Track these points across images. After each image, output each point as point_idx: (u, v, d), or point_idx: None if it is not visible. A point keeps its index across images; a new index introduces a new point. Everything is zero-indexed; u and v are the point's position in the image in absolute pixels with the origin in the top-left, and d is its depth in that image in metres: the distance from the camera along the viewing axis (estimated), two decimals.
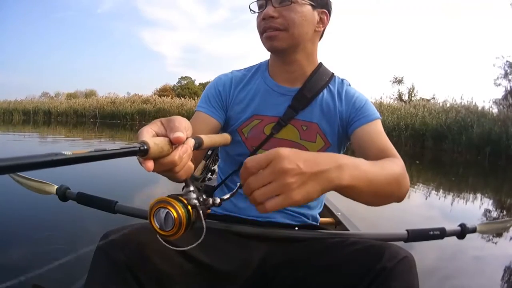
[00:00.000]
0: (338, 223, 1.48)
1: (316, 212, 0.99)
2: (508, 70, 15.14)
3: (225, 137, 0.85)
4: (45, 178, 1.31)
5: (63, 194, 1.08)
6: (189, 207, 0.50)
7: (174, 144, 0.50)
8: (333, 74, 0.97)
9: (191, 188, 0.53)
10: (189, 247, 0.55)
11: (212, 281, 0.73)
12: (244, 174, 0.51)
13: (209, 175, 1.65)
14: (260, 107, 0.93)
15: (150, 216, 0.48)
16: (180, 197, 0.50)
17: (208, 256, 0.73)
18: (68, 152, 0.36)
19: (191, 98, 21.71)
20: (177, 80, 43.69)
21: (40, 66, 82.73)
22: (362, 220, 1.65)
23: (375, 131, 0.87)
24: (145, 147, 0.44)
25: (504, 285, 1.74)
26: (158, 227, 0.48)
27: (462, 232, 1.05)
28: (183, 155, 0.52)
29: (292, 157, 0.49)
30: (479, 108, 11.14)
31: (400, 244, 0.71)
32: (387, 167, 0.66)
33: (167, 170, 0.52)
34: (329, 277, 0.67)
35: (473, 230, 1.08)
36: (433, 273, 1.75)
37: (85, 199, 1.02)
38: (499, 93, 15.55)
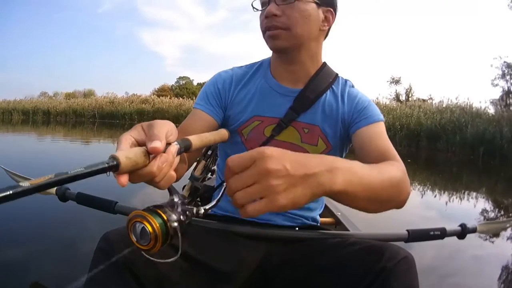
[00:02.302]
0: (338, 223, 1.48)
1: (316, 213, 0.98)
2: (506, 71, 15.18)
3: (221, 134, 0.80)
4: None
5: (62, 195, 1.07)
6: (168, 222, 0.45)
7: (153, 153, 0.47)
8: (337, 74, 0.95)
9: (175, 198, 0.50)
10: (166, 260, 0.51)
11: (211, 282, 0.73)
12: (227, 173, 0.47)
13: (209, 175, 1.66)
14: (261, 107, 0.90)
15: (128, 229, 0.45)
16: (159, 210, 0.46)
17: (208, 256, 0.73)
18: (25, 183, 0.34)
19: (189, 98, 21.68)
20: (176, 80, 43.71)
21: (39, 65, 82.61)
22: (362, 220, 1.65)
23: (377, 133, 0.84)
24: (115, 163, 0.41)
25: (504, 285, 1.75)
26: (135, 240, 0.45)
27: (463, 232, 1.04)
28: (163, 165, 0.48)
29: (278, 157, 0.45)
30: (475, 108, 11.23)
31: (400, 244, 0.71)
32: (386, 171, 0.62)
33: (146, 181, 0.49)
34: (329, 277, 0.67)
35: (474, 230, 1.08)
36: (433, 273, 1.76)
37: (85, 200, 1.01)
38: (497, 93, 15.62)
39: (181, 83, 42.49)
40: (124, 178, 0.44)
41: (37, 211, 2.34)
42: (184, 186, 1.57)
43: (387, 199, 0.61)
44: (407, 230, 0.92)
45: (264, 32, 0.86)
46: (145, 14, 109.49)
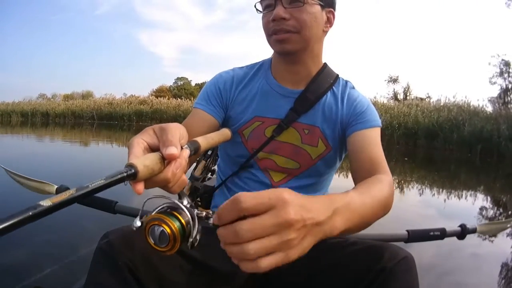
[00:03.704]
0: None
1: None
2: (504, 69, 15.18)
3: (224, 133, 0.80)
4: (45, 178, 1.31)
5: None
6: (183, 222, 0.45)
7: (169, 159, 0.46)
8: (337, 75, 0.95)
9: (185, 201, 0.49)
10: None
11: (212, 282, 0.73)
12: (232, 214, 0.40)
13: (209, 175, 1.66)
14: (261, 108, 0.91)
15: (146, 233, 0.45)
16: (175, 213, 0.46)
17: (208, 256, 0.73)
18: (45, 203, 0.33)
19: (188, 99, 21.66)
20: (174, 81, 43.64)
21: (37, 67, 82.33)
22: None
23: (370, 138, 0.84)
24: (133, 171, 0.41)
25: (504, 285, 1.74)
26: (153, 243, 0.45)
27: (462, 232, 1.04)
28: (177, 171, 0.47)
29: (298, 206, 0.41)
30: (472, 106, 11.26)
31: (400, 244, 0.71)
32: (377, 193, 0.63)
33: (160, 186, 0.48)
34: (329, 277, 0.67)
35: (473, 231, 1.07)
36: (433, 273, 1.75)
37: (85, 199, 1.03)
38: (495, 91, 15.63)
39: (179, 84, 42.40)
40: (141, 186, 0.43)
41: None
42: (184, 186, 1.58)
43: (376, 218, 0.63)
44: (407, 231, 0.92)
45: (270, 35, 0.85)
46: (142, 15, 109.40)
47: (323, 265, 0.69)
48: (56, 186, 1.11)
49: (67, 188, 1.06)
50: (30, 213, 0.32)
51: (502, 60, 15.16)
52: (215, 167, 1.62)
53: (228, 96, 0.92)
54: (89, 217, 2.13)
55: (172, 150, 0.46)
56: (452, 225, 1.02)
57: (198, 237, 0.47)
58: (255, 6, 0.87)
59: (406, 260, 0.60)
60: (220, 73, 0.96)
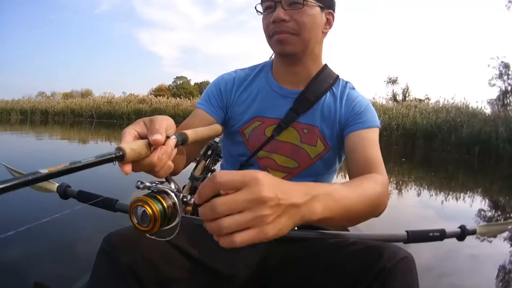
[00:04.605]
0: None
1: None
2: (503, 71, 15.23)
3: (215, 128, 0.80)
4: None
5: (64, 192, 1.07)
6: (165, 205, 0.50)
7: (154, 145, 0.51)
8: (337, 76, 0.96)
9: (172, 186, 0.54)
10: (161, 239, 0.55)
11: (214, 283, 0.73)
12: (208, 189, 0.43)
13: (209, 175, 1.68)
14: (262, 108, 0.92)
15: (130, 213, 0.50)
16: (158, 196, 0.50)
17: (210, 257, 0.73)
18: (44, 170, 0.38)
19: (187, 98, 21.63)
20: (173, 80, 43.59)
21: (36, 66, 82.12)
22: None
23: (368, 139, 0.85)
24: (121, 153, 0.47)
25: (504, 285, 1.75)
26: (136, 222, 0.49)
27: (462, 233, 1.02)
28: (162, 156, 0.52)
29: (271, 185, 0.43)
30: (471, 108, 11.31)
31: (400, 244, 0.70)
32: (367, 190, 0.64)
33: (147, 171, 0.53)
34: (329, 277, 0.67)
35: (473, 232, 1.06)
36: (432, 273, 1.76)
37: (86, 197, 1.01)
38: (494, 93, 15.66)
39: (178, 83, 42.37)
40: (128, 167, 0.48)
41: (38, 211, 2.33)
42: (184, 186, 1.59)
43: (365, 215, 0.64)
44: (406, 231, 0.90)
45: (270, 37, 0.86)
46: (142, 14, 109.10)
47: (323, 265, 0.69)
48: (57, 184, 1.12)
49: (68, 186, 1.08)
50: (30, 178, 0.37)
51: (502, 62, 15.27)
52: (215, 167, 1.63)
53: (229, 97, 0.94)
54: (89, 217, 2.15)
55: (157, 137, 0.50)
56: (451, 226, 1.02)
57: (179, 219, 0.51)
58: (255, 8, 0.88)
59: (406, 260, 0.60)
60: (222, 74, 0.98)
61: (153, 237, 0.54)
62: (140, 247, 0.64)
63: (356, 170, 0.80)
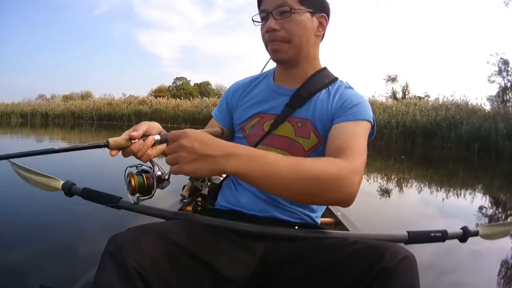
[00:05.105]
0: (338, 223, 1.47)
1: (316, 214, 0.98)
2: (502, 67, 15.19)
3: (213, 131, 0.94)
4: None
5: (69, 190, 1.09)
6: (145, 179, 0.75)
7: (132, 139, 0.72)
8: (336, 78, 0.99)
9: (155, 168, 0.77)
10: (145, 198, 0.78)
11: (215, 282, 0.74)
12: (170, 140, 0.66)
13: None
14: (262, 106, 0.98)
15: (125, 181, 0.76)
16: (143, 173, 0.76)
17: (211, 257, 0.74)
18: (56, 147, 0.73)
19: (187, 99, 21.65)
20: (173, 81, 43.55)
21: (36, 68, 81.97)
22: (362, 220, 1.62)
23: (349, 130, 0.84)
24: (107, 142, 0.70)
25: (504, 285, 1.73)
26: (126, 187, 0.76)
27: (464, 235, 1.01)
28: (141, 147, 0.72)
29: (191, 138, 0.62)
30: (470, 105, 11.34)
31: (400, 245, 0.70)
32: (315, 167, 0.67)
33: (134, 156, 0.74)
34: (329, 277, 0.67)
35: (475, 234, 1.05)
36: (434, 272, 1.75)
37: (90, 195, 1.03)
38: (493, 90, 15.63)
39: (178, 84, 42.34)
40: (114, 153, 0.71)
41: (42, 211, 2.35)
42: (184, 186, 1.61)
43: (313, 193, 0.68)
44: (408, 232, 0.90)
45: (266, 46, 0.93)
46: (141, 15, 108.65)
47: (324, 265, 0.70)
48: (62, 182, 1.14)
49: (73, 184, 1.10)
50: (44, 150, 0.70)
51: (501, 58, 15.18)
52: None
53: (233, 102, 1.04)
54: (93, 216, 2.18)
55: (133, 133, 0.72)
56: (452, 224, 0.99)
57: (155, 187, 0.76)
58: (252, 19, 0.94)
59: (407, 260, 0.61)
60: (234, 83, 1.09)
61: (135, 198, 0.77)
62: (145, 249, 0.65)
63: (329, 155, 0.80)
